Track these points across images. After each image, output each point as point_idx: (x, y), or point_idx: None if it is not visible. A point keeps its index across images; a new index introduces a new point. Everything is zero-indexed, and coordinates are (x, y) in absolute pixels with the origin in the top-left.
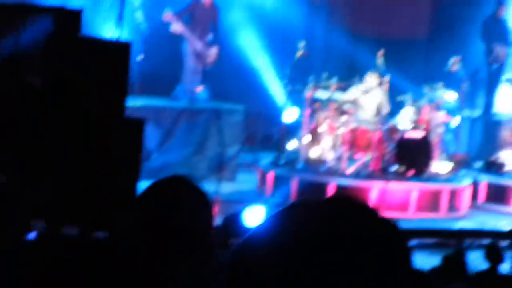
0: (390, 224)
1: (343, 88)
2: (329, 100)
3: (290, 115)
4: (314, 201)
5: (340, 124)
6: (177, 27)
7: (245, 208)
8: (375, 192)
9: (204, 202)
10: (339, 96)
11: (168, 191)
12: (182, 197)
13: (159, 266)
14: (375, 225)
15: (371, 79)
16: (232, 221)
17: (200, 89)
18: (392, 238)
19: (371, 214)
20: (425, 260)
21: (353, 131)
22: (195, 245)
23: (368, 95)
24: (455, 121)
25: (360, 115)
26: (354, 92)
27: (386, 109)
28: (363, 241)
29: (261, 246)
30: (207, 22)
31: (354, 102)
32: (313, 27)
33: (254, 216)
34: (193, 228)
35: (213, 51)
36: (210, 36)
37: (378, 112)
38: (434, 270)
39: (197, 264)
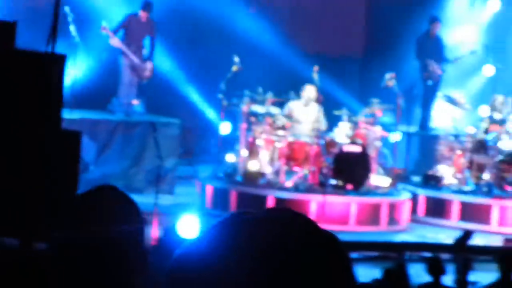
0: (330, 236)
1: (279, 103)
2: (265, 114)
3: (225, 128)
4: (253, 213)
5: (277, 138)
6: (114, 41)
7: (178, 219)
8: (314, 205)
9: (133, 211)
10: (277, 110)
11: (97, 201)
12: (111, 206)
13: (93, 277)
14: (315, 238)
15: (308, 91)
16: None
17: (136, 102)
18: (333, 251)
19: (311, 226)
20: (366, 273)
21: (291, 144)
22: (126, 254)
23: (305, 108)
24: (396, 136)
25: (297, 129)
26: (291, 105)
27: (323, 123)
28: (304, 254)
29: (201, 259)
30: (142, 36)
31: (291, 116)
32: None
33: (188, 226)
34: (124, 237)
35: (148, 66)
36: (145, 51)
37: (315, 126)
38: (375, 282)
39: (129, 273)
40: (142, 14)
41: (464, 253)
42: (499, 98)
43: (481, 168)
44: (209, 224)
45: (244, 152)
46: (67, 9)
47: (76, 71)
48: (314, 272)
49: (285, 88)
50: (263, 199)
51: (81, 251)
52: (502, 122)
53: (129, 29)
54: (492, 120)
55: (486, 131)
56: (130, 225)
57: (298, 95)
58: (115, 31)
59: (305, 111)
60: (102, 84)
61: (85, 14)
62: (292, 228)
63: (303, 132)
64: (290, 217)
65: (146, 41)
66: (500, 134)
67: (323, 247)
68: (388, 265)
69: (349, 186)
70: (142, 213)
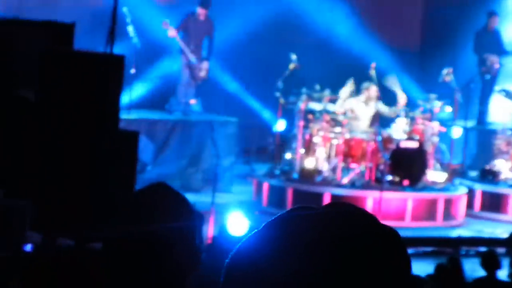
0: (391, 231)
1: (336, 100)
2: (322, 112)
3: (280, 126)
4: (311, 208)
5: (334, 135)
6: (172, 32)
7: (227, 217)
8: (371, 201)
9: (185, 209)
10: (334, 107)
11: (149, 199)
12: (163, 204)
13: (144, 274)
14: (377, 232)
15: (372, 91)
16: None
17: (193, 101)
18: (394, 245)
19: (371, 220)
20: (421, 269)
21: (348, 141)
22: (177, 251)
23: (365, 106)
24: (457, 131)
25: (354, 126)
26: (351, 102)
27: (387, 109)
28: (365, 248)
29: (258, 256)
30: (201, 36)
31: (349, 113)
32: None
33: (237, 224)
34: (175, 234)
35: (204, 66)
36: (204, 50)
37: (373, 122)
38: (429, 278)
39: (180, 271)
40: (200, 12)
41: None
42: None
43: None
44: (264, 222)
45: (301, 150)
46: (125, 9)
47: (134, 72)
48: (375, 267)
49: (342, 85)
50: (319, 196)
51: (133, 248)
52: None
53: (188, 28)
54: None
55: None
56: (182, 223)
57: (358, 93)
58: (176, 31)
59: (364, 108)
60: (160, 84)
61: (143, 14)
62: (352, 222)
63: (360, 128)
64: (350, 211)
65: (205, 40)
66: None
67: (384, 241)
68: (442, 260)
69: (406, 182)
70: (195, 211)
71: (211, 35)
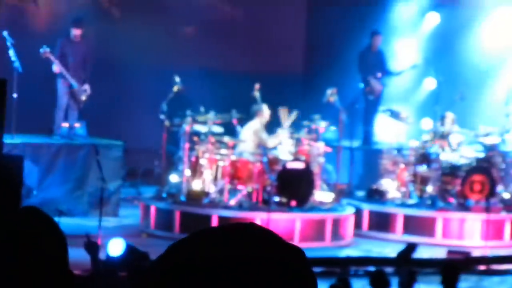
0: (296, 249)
1: (221, 123)
2: (208, 134)
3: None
4: (217, 228)
5: (220, 157)
6: (56, 67)
7: (108, 241)
8: (259, 223)
9: (56, 234)
10: (219, 129)
11: (16, 223)
12: (31, 229)
13: None
14: (282, 251)
15: (264, 113)
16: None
17: (77, 125)
18: (300, 264)
19: (276, 240)
20: None
21: (234, 163)
22: (47, 277)
23: (248, 127)
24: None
25: (240, 147)
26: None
27: (268, 140)
28: (271, 267)
29: (164, 278)
30: (79, 57)
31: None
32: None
33: (116, 248)
34: (44, 259)
35: (86, 88)
36: (83, 73)
37: (258, 144)
38: None
39: None
40: (75, 33)
41: (408, 266)
42: (448, 114)
43: (424, 181)
44: (154, 245)
45: (187, 172)
46: (5, 33)
47: (16, 96)
48: (281, 285)
49: (228, 107)
50: (207, 218)
51: None
52: (445, 136)
53: (65, 52)
54: (436, 134)
55: (429, 144)
56: (50, 249)
57: (241, 114)
58: (54, 56)
59: (248, 129)
60: (43, 108)
61: (24, 38)
62: (257, 242)
63: (246, 150)
64: (255, 231)
65: (83, 62)
66: (443, 146)
67: (289, 260)
68: (332, 280)
69: (293, 203)
70: (65, 236)
71: (88, 56)
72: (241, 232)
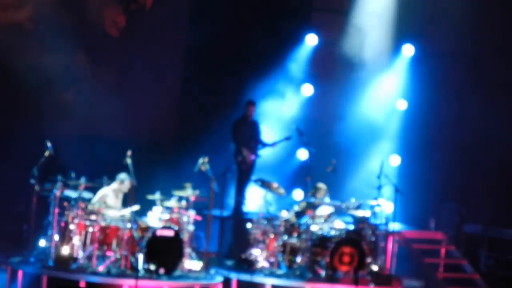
0: None
1: (92, 188)
2: (78, 199)
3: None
4: None
5: (90, 222)
6: None
7: None
8: None
9: None
10: (90, 195)
11: None
12: None
13: None
14: None
15: (124, 185)
16: None
17: None
18: None
19: None
20: None
21: (103, 229)
22: None
23: (114, 196)
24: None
25: (110, 214)
26: (103, 190)
27: (134, 208)
28: None
29: None
30: None
31: (103, 201)
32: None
33: None
34: None
35: None
36: None
37: (127, 210)
38: None
39: None
40: None
41: None
42: (321, 185)
43: (294, 252)
44: None
45: (56, 237)
46: None
47: None
48: None
49: (99, 173)
50: (75, 283)
51: None
52: (316, 207)
53: None
54: (307, 205)
55: (300, 215)
56: None
57: (111, 181)
58: None
59: (115, 199)
60: None
61: None
62: None
63: (116, 216)
64: None
65: None
66: (313, 218)
67: None
68: None
69: (162, 270)
70: None
71: None
72: None
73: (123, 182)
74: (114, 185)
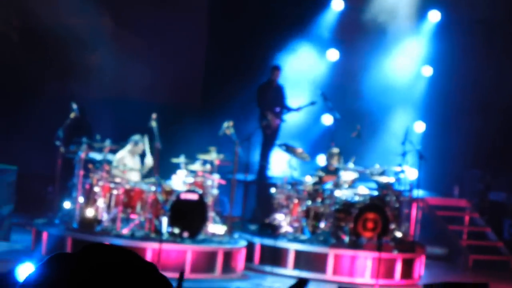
0: (148, 265)
1: (116, 150)
2: (102, 161)
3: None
4: (72, 254)
5: (114, 185)
6: None
7: (17, 266)
8: (150, 252)
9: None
10: (113, 157)
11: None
12: None
13: None
14: (133, 266)
15: (138, 147)
16: (6, 278)
17: None
18: (154, 277)
19: (129, 255)
20: None
21: (128, 191)
22: None
23: (132, 156)
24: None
25: (134, 176)
26: (122, 153)
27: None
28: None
29: None
30: None
31: (122, 163)
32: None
33: (27, 273)
34: None
35: None
36: None
37: (152, 173)
38: None
39: None
40: None
41: None
42: (334, 150)
43: (317, 217)
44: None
45: (80, 199)
46: None
47: None
48: None
49: (124, 136)
50: None
51: None
52: (335, 172)
53: None
54: (327, 171)
55: (322, 181)
56: None
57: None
58: None
59: (132, 160)
60: None
61: None
62: (104, 266)
63: (140, 179)
64: (108, 251)
65: None
66: (336, 183)
67: (140, 276)
68: None
69: (186, 234)
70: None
71: None
72: (91, 257)
73: (137, 143)
74: (129, 146)
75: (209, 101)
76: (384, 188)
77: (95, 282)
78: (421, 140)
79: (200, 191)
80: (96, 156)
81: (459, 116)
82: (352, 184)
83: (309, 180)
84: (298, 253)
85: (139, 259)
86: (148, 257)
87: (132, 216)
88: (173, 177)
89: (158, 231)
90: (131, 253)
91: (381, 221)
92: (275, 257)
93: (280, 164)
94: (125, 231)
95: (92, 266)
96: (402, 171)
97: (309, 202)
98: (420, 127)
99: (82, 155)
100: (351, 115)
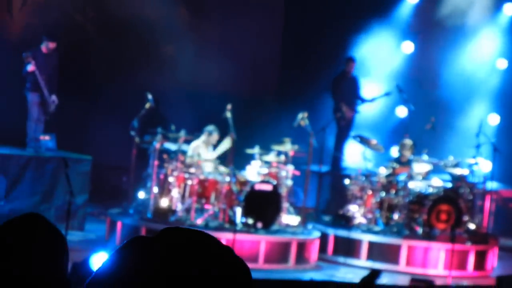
0: (226, 248)
1: (191, 141)
2: (177, 152)
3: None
4: (150, 237)
5: (189, 175)
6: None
7: (91, 255)
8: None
9: (59, 241)
10: (188, 147)
11: (20, 230)
12: (35, 236)
13: None
14: (212, 251)
15: (211, 137)
16: (81, 267)
17: (46, 138)
18: (231, 263)
19: (208, 240)
20: None
21: (202, 182)
22: (44, 283)
23: (206, 146)
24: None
25: (209, 167)
26: (196, 143)
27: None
28: (216, 276)
29: (105, 283)
30: (49, 69)
31: (196, 153)
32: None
33: (101, 262)
34: (48, 270)
35: (54, 99)
36: (51, 85)
37: (227, 163)
38: None
39: None
40: (49, 46)
41: None
42: (407, 142)
43: (391, 209)
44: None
45: (155, 189)
46: None
47: None
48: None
49: (199, 127)
50: None
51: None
52: (408, 163)
53: (36, 63)
54: (399, 162)
55: (395, 172)
56: (55, 256)
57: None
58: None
59: (205, 151)
60: (13, 119)
61: None
62: (182, 251)
63: (215, 169)
64: (186, 234)
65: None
66: (410, 175)
67: (217, 257)
68: None
69: (259, 225)
70: (66, 245)
71: (56, 69)
72: (171, 238)
73: (211, 134)
74: (203, 137)
75: (284, 92)
76: (458, 180)
77: (173, 262)
78: (495, 132)
79: (274, 182)
80: (171, 146)
81: None
82: (426, 176)
83: (383, 171)
84: (371, 244)
85: (216, 241)
86: None
87: (206, 206)
88: (248, 167)
89: (232, 222)
90: (208, 236)
91: (455, 213)
92: (348, 248)
93: (354, 156)
94: (199, 221)
95: (169, 248)
96: (476, 163)
97: (383, 194)
98: (494, 119)
99: (157, 145)
100: (426, 107)
